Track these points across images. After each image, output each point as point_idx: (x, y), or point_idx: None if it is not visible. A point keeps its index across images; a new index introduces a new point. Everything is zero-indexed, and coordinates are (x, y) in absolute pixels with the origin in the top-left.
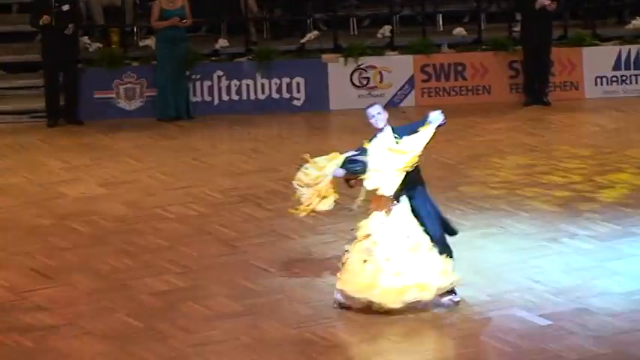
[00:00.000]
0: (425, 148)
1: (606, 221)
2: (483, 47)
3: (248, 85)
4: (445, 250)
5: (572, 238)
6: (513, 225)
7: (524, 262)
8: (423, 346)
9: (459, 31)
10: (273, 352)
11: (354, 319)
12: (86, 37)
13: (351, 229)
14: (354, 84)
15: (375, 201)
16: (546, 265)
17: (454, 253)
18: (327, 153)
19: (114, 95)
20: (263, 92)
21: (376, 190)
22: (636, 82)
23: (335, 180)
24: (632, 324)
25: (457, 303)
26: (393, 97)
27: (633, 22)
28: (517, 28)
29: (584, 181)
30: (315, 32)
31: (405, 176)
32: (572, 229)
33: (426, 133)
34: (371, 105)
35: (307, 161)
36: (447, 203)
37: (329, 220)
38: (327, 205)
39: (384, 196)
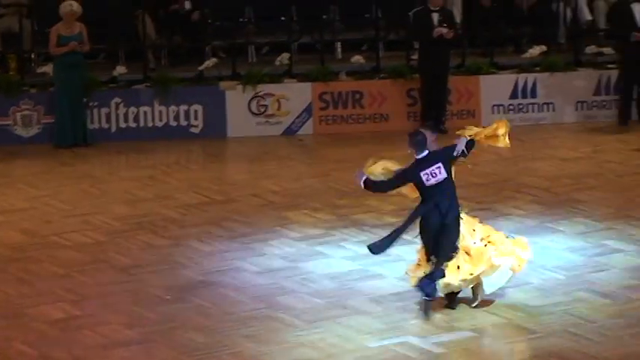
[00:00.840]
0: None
1: None
2: (381, 75)
3: (146, 112)
4: None
5: None
6: (409, 252)
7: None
8: None
9: (357, 59)
10: None
11: (246, 346)
12: None
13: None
14: (252, 111)
15: None
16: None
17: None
18: (223, 180)
19: (10, 122)
20: (161, 119)
21: None
22: (533, 111)
23: None
24: None
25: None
26: (291, 124)
27: (530, 50)
28: (415, 57)
29: (481, 209)
30: (214, 59)
31: None
32: None
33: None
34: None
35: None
36: (343, 231)
37: (223, 247)
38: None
39: None
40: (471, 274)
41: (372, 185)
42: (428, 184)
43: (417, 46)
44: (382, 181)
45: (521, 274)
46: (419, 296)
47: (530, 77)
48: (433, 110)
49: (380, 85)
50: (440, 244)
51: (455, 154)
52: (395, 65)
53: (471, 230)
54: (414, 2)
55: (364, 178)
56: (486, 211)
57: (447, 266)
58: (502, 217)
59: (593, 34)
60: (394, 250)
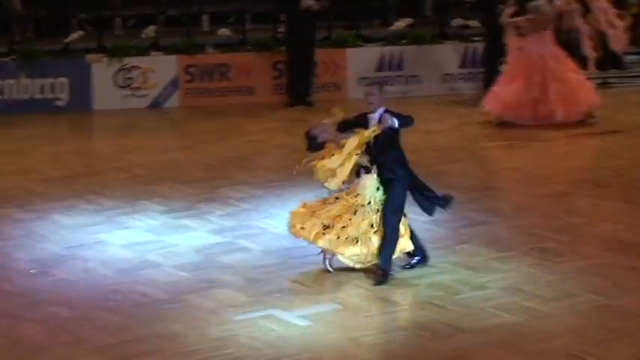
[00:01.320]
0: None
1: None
2: (248, 48)
3: (11, 85)
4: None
5: None
6: (275, 225)
7: (284, 263)
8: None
9: (224, 31)
10: (34, 356)
11: (110, 319)
12: None
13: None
14: (118, 84)
15: None
16: (306, 267)
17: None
18: (88, 153)
19: None
20: (26, 92)
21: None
22: (399, 84)
23: None
24: None
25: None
26: (157, 97)
27: (397, 23)
28: (282, 29)
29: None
30: (80, 32)
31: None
32: None
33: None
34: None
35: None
36: (209, 204)
37: (88, 221)
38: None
39: None
40: None
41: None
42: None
43: (283, 18)
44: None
45: None
46: (285, 270)
47: (397, 50)
48: (299, 83)
49: (246, 58)
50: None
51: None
52: (261, 38)
53: None
54: None
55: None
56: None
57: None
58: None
59: (459, 6)
60: (258, 223)
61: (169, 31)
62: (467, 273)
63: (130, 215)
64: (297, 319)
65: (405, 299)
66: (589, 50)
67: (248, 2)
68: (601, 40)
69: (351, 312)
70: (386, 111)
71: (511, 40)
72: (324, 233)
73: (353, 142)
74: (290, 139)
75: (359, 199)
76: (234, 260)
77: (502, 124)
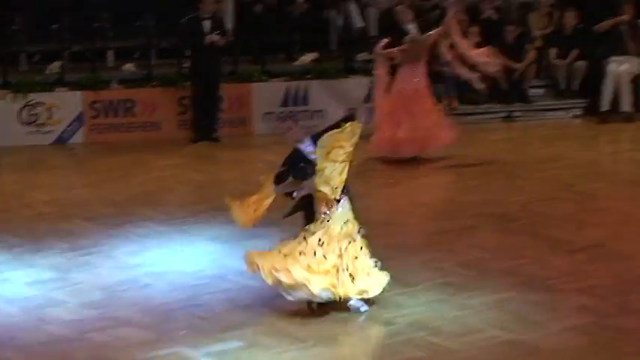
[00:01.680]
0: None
1: None
2: (153, 83)
3: None
4: None
5: (239, 275)
6: (180, 262)
7: (190, 299)
8: None
9: (129, 67)
10: None
11: (16, 357)
12: None
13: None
14: (22, 121)
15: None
16: (212, 302)
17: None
18: None
19: None
20: None
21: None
22: (305, 118)
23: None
24: None
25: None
26: (62, 133)
27: (302, 58)
28: (187, 64)
29: None
30: None
31: None
32: (238, 266)
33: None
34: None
35: None
36: (114, 241)
37: None
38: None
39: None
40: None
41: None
42: None
43: (188, 53)
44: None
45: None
46: (190, 307)
47: (302, 84)
48: (205, 118)
49: (151, 93)
50: None
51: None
52: (167, 73)
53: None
54: (185, 9)
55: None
56: None
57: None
58: (274, 226)
59: (365, 41)
60: (163, 260)
61: (74, 66)
62: (373, 308)
63: (35, 253)
64: (202, 357)
65: (311, 336)
66: (475, 81)
67: (153, 37)
68: (506, 73)
69: (257, 349)
70: (313, 138)
71: (381, 74)
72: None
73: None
74: (196, 175)
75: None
76: (139, 297)
77: (388, 160)
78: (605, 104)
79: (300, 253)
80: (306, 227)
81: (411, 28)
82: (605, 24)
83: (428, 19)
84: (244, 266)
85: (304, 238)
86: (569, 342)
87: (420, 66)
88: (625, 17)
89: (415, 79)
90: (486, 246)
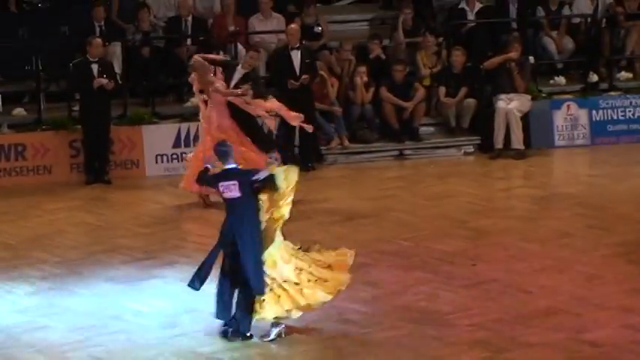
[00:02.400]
0: None
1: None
2: (44, 127)
3: None
4: None
5: (136, 316)
6: (77, 303)
7: (88, 340)
8: None
9: (19, 111)
10: None
11: None
12: None
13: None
14: None
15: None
16: (109, 343)
17: None
18: None
19: None
20: None
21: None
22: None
23: None
24: None
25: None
26: None
27: (192, 99)
28: (77, 108)
29: (148, 259)
30: None
31: None
32: (135, 306)
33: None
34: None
35: None
36: (10, 283)
37: None
38: None
39: None
40: (288, 309)
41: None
42: (224, 196)
43: (78, 97)
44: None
45: None
46: (88, 347)
47: (193, 125)
48: (96, 161)
49: (42, 137)
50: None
51: (253, 177)
52: (57, 117)
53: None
54: (73, 54)
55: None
56: (152, 260)
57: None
58: (169, 266)
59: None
60: (60, 301)
61: None
62: (271, 347)
63: None
64: None
65: None
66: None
67: (43, 81)
68: (396, 112)
69: None
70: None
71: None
72: None
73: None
74: (89, 216)
75: None
76: (36, 339)
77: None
78: (497, 142)
79: None
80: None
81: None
82: (494, 61)
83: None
84: (140, 306)
85: None
86: None
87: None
88: (513, 54)
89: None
90: (382, 283)
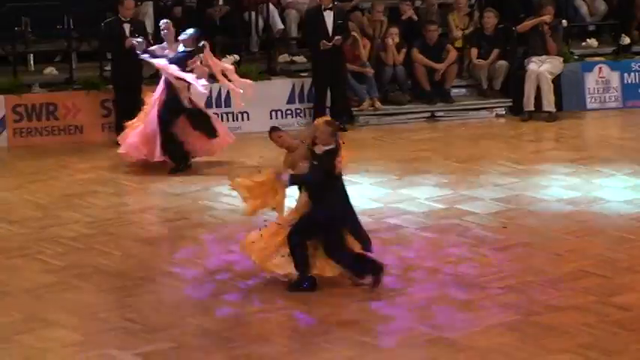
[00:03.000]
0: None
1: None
2: (75, 87)
3: None
4: None
5: (166, 276)
6: (108, 265)
7: (119, 301)
8: None
9: (50, 70)
10: None
11: None
12: None
13: None
14: None
15: None
16: (140, 304)
17: None
18: None
19: None
20: None
21: None
22: (228, 120)
23: None
24: None
25: None
26: None
27: (223, 60)
28: (108, 68)
29: (179, 219)
30: None
31: None
32: (164, 267)
33: None
34: None
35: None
36: (40, 244)
37: None
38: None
39: None
40: None
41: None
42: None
43: (109, 56)
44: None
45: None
46: (119, 309)
47: (224, 86)
48: (128, 121)
49: (74, 97)
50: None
51: None
52: (88, 76)
53: None
54: (105, 13)
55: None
56: (183, 221)
57: None
58: (201, 227)
59: (285, 42)
60: (90, 262)
61: None
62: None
63: None
64: (131, 358)
65: (241, 336)
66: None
67: (74, 41)
68: (428, 74)
69: (186, 349)
70: None
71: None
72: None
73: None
74: (120, 177)
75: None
76: (67, 299)
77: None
78: (528, 104)
79: None
80: None
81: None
82: (527, 24)
83: None
84: (170, 267)
85: None
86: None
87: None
88: (546, 17)
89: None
90: (412, 245)
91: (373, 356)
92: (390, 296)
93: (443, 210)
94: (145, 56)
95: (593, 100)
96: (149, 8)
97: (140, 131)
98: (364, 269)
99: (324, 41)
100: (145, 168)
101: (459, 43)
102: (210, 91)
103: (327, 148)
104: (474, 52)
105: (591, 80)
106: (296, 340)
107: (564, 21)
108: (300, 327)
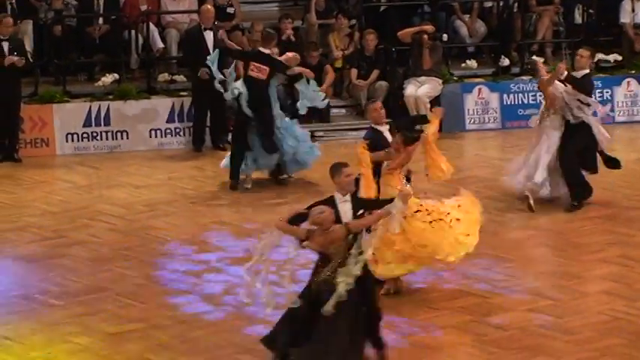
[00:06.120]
0: None
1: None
2: None
3: None
4: None
5: (44, 295)
6: None
7: None
8: None
9: None
10: None
11: None
12: None
13: None
14: None
15: None
16: (17, 323)
17: None
18: None
19: None
20: None
21: None
22: (107, 139)
23: None
24: None
25: None
26: None
27: (103, 79)
28: None
29: (57, 237)
30: None
31: None
32: (43, 286)
33: None
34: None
35: None
36: None
37: None
38: None
39: None
40: None
41: None
42: None
43: None
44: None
45: None
46: None
47: (104, 105)
48: (6, 139)
49: None
50: None
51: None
52: None
53: None
54: None
55: None
56: (62, 239)
57: None
58: (78, 245)
59: (166, 61)
60: None
61: None
62: (179, 327)
63: None
64: None
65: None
66: None
67: None
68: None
69: None
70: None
71: None
72: None
73: None
74: None
75: None
76: None
77: None
78: None
79: None
80: None
81: None
82: (408, 31)
83: None
84: (48, 286)
85: None
86: None
87: None
88: (427, 27)
89: None
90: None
91: None
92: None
93: None
94: None
95: (472, 121)
96: (29, 26)
97: None
98: None
99: (204, 70)
100: (24, 187)
101: (339, 64)
102: (89, 110)
103: None
104: (354, 72)
105: (471, 101)
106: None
107: (445, 35)
108: None
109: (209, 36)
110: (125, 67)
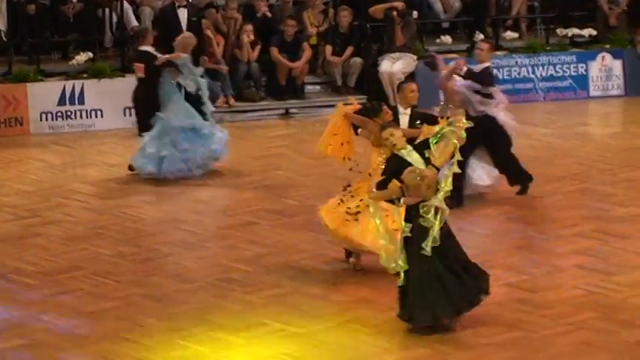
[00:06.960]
0: None
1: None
2: None
3: None
4: None
5: (18, 274)
6: None
7: None
8: None
9: None
10: None
11: None
12: None
13: None
14: None
15: None
16: None
17: None
18: None
19: None
20: None
21: None
22: (81, 117)
23: None
24: None
25: None
26: None
27: (77, 57)
28: None
29: (32, 216)
30: None
31: None
32: (18, 265)
33: None
34: None
35: None
36: None
37: None
38: None
39: None
40: None
41: None
42: None
43: None
44: None
45: None
46: None
47: (78, 84)
48: None
49: None
50: None
51: None
52: None
53: None
54: None
55: None
56: (37, 218)
57: None
58: (52, 224)
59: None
60: None
61: None
62: (154, 305)
63: None
64: None
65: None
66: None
67: None
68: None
69: (41, 348)
70: None
71: None
72: None
73: None
74: None
75: None
76: None
77: None
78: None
79: None
80: None
81: None
82: (379, 7)
83: None
84: (24, 265)
85: None
86: (350, 334)
87: None
88: (397, 4)
89: None
90: (266, 241)
91: (228, 353)
92: (242, 292)
93: (297, 206)
94: None
95: None
96: (2, 5)
97: None
98: None
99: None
100: None
101: (313, 40)
102: (63, 89)
103: None
104: (329, 49)
105: None
106: (153, 337)
107: (415, 12)
108: (147, 324)
109: (183, 14)
110: (99, 45)
